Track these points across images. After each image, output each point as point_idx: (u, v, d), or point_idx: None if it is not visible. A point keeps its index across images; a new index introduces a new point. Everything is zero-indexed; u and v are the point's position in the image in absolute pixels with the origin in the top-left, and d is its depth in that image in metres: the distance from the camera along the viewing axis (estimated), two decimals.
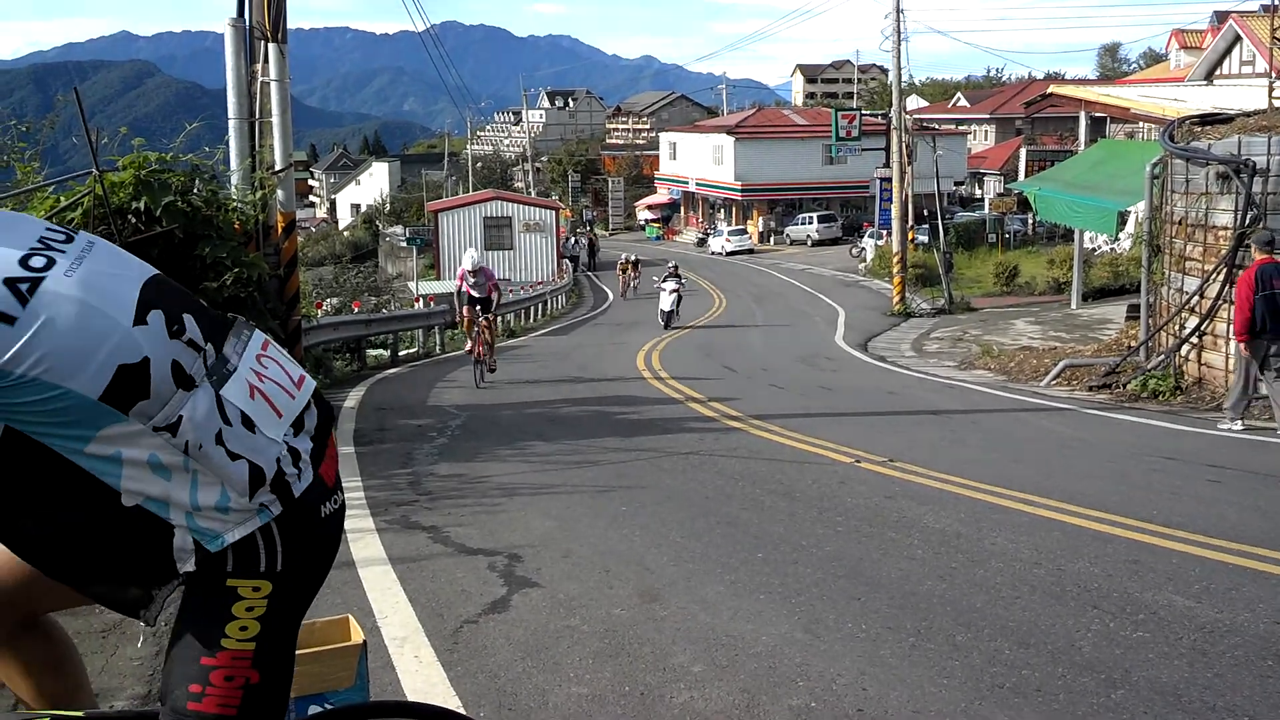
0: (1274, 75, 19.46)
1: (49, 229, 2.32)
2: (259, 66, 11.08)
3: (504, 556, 6.82)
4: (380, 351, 23.37)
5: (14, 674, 2.89)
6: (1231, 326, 12.56)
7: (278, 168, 11.15)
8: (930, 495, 8.40)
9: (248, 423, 2.32)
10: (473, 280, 17.34)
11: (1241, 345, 11.99)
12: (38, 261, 2.18)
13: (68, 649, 3.00)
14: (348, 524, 7.64)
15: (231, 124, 10.99)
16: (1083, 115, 30.61)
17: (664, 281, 32.66)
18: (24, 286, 2.12)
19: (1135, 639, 5.19)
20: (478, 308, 17.15)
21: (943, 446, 10.97)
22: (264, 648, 2.39)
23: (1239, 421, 12.12)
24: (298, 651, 3.74)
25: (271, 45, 10.94)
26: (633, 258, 50.84)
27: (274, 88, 11.03)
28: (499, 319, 17.69)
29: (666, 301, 31.72)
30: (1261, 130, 14.30)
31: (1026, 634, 5.28)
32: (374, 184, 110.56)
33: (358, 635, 3.91)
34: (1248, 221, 13.66)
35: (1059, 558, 6.56)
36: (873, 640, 5.26)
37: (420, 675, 4.89)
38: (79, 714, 2.80)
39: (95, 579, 2.40)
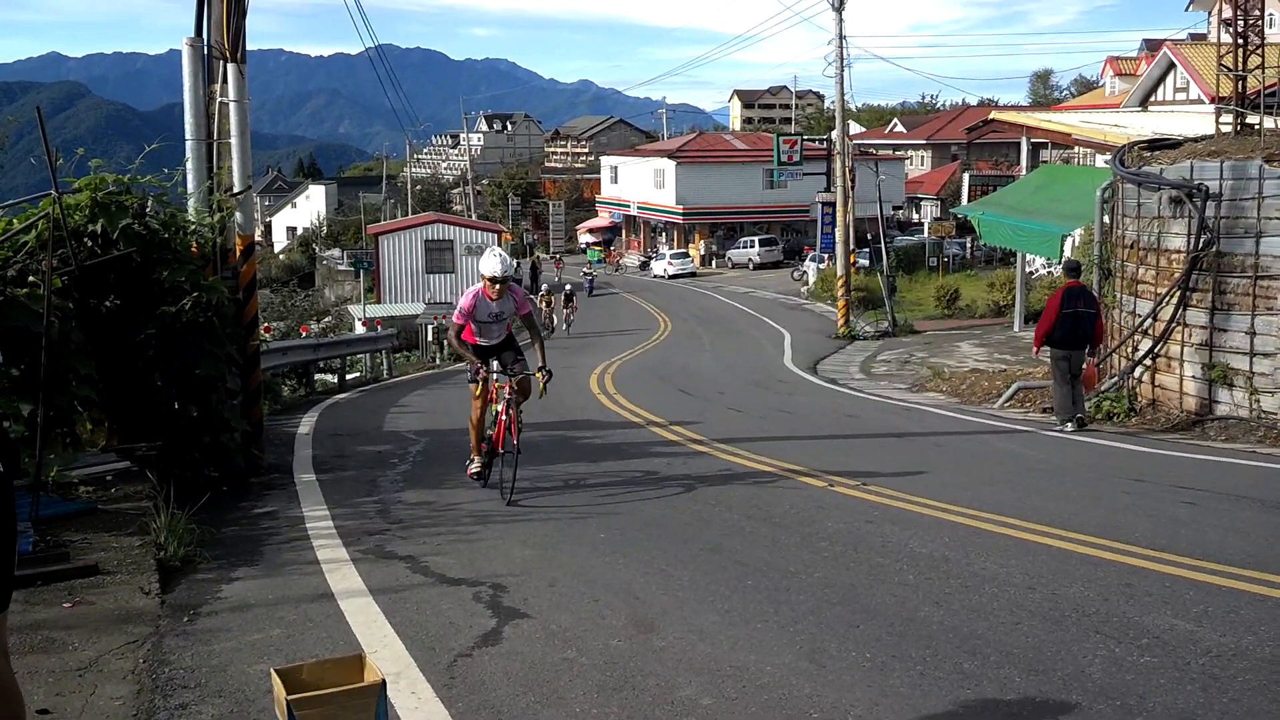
0: (1215, 101, 19.77)
1: None
2: (217, 87, 10.84)
3: (488, 586, 6.67)
4: (328, 376, 23.06)
5: None
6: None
7: (236, 189, 10.90)
8: (910, 519, 8.35)
9: None
10: (494, 307, 9.72)
11: (1040, 352, 14.57)
12: None
13: None
14: (320, 554, 7.49)
15: (189, 145, 10.73)
16: (1024, 141, 31.02)
17: None
18: None
19: (1144, 664, 5.14)
20: (494, 363, 9.75)
21: (912, 469, 10.94)
22: None
23: (1069, 424, 13.85)
24: (312, 693, 3.59)
25: (230, 65, 10.70)
26: (567, 287, 45.77)
27: (233, 108, 10.79)
28: (542, 376, 9.78)
29: None
30: (1212, 155, 14.48)
31: (1034, 661, 5.22)
32: (310, 207, 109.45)
33: (374, 674, 3.76)
34: (1201, 245, 13.83)
35: (1052, 582, 6.52)
36: (880, 669, 5.17)
37: (421, 713, 4.73)
38: None
39: None
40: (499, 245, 10.58)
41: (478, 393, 9.69)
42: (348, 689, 3.62)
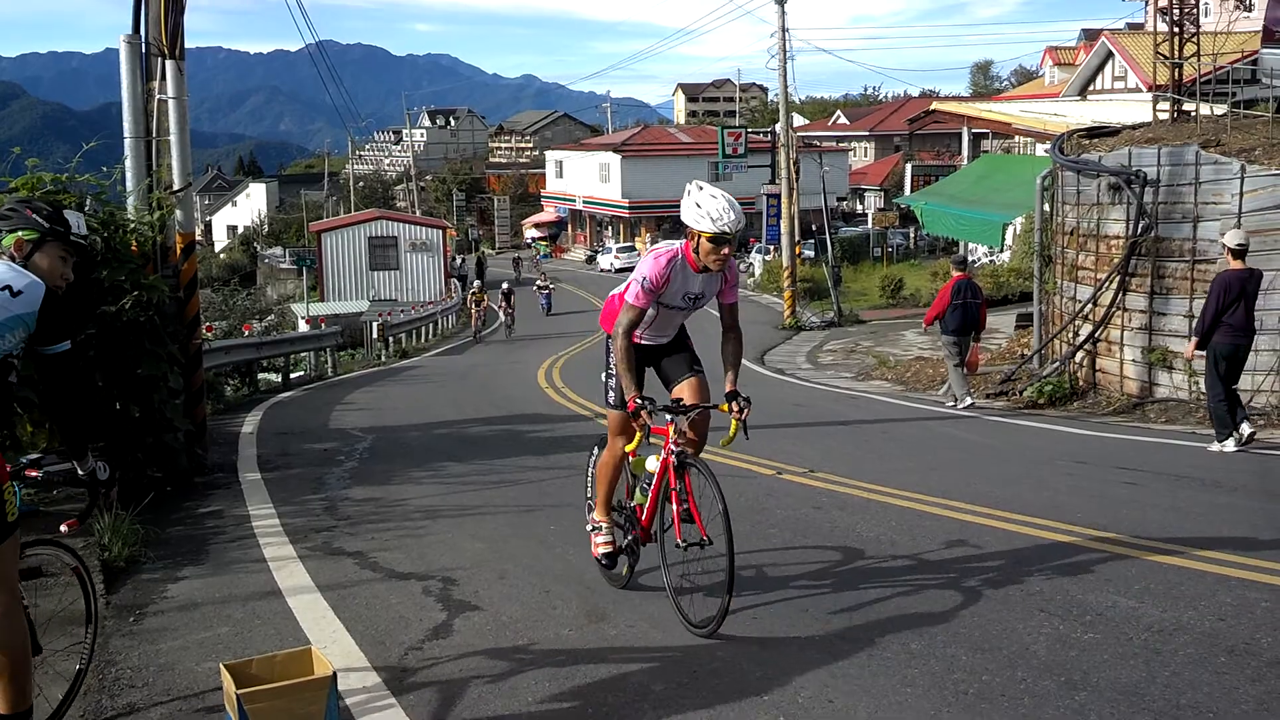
0: (1152, 89, 20.07)
1: None
2: (155, 84, 10.71)
3: (438, 580, 6.65)
4: (271, 375, 22.84)
5: None
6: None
7: (176, 187, 10.77)
8: (857, 504, 8.42)
9: None
10: (696, 285, 5.88)
11: (938, 337, 16.00)
12: None
13: None
14: (267, 551, 7.43)
15: (128, 143, 10.57)
16: (965, 131, 31.31)
17: None
18: None
19: (1088, 641, 5.23)
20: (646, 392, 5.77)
21: (859, 456, 11.04)
22: None
23: (968, 398, 15.20)
24: (263, 688, 3.57)
25: (169, 62, 10.55)
26: (504, 285, 40.94)
27: (172, 105, 10.65)
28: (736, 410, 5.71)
29: None
30: (1149, 143, 14.72)
31: (980, 639, 5.29)
32: (251, 205, 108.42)
33: (325, 667, 3.74)
34: (1139, 230, 14.05)
35: (997, 563, 6.60)
36: (829, 651, 5.22)
37: (372, 705, 4.70)
38: None
39: None
40: (701, 184, 5.58)
41: (618, 429, 6.01)
42: (298, 682, 3.61)
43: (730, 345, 6.00)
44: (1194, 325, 11.77)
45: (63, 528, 4.55)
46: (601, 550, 6.20)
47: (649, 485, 6.03)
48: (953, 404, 15.27)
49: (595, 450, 6.57)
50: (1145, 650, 5.08)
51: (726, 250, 5.57)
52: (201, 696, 4.88)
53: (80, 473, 4.54)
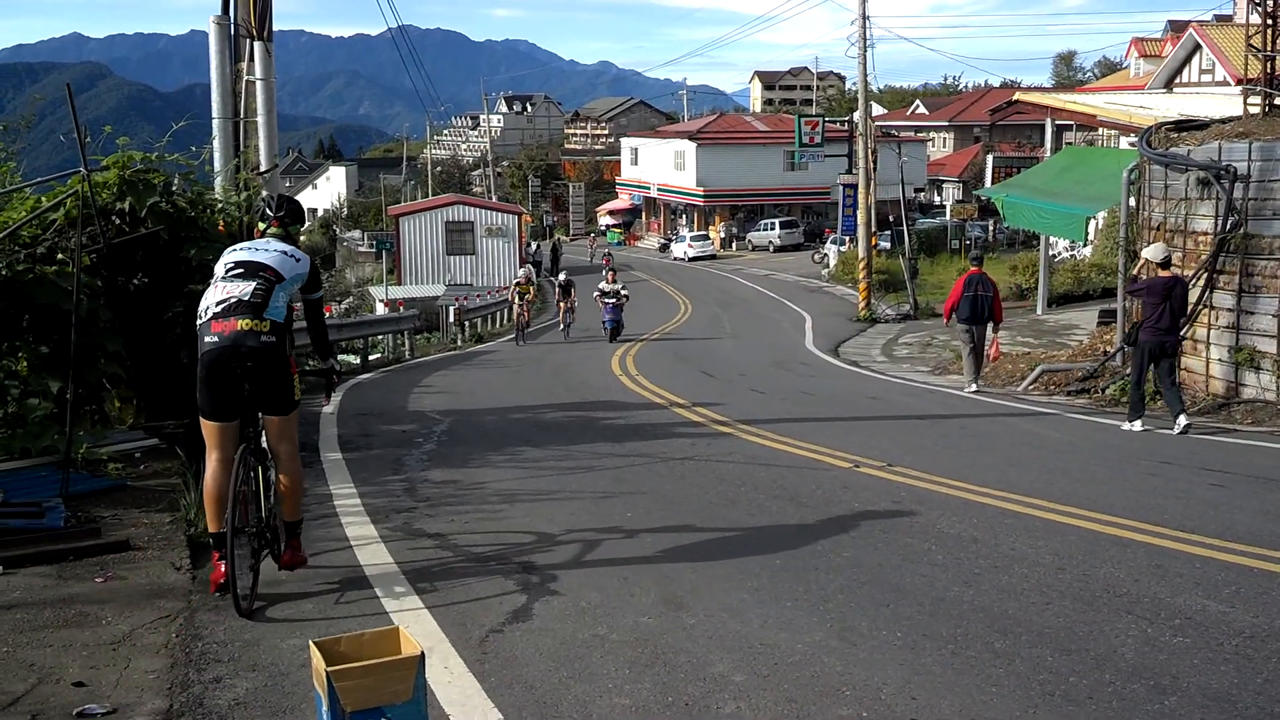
0: (1241, 83, 19.61)
1: None
2: (243, 65, 10.87)
3: (516, 564, 6.69)
4: (350, 357, 23.12)
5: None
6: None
7: (263, 168, 10.93)
8: (937, 500, 8.33)
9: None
10: None
11: (955, 328, 17.49)
12: None
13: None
14: (349, 531, 7.51)
15: (216, 123, 10.78)
16: (1049, 122, 30.79)
17: None
18: None
19: (1177, 645, 5.13)
20: None
21: (937, 451, 10.92)
22: None
23: (974, 384, 16.97)
24: (353, 665, 3.61)
25: (257, 44, 10.75)
26: (562, 276, 34.17)
27: (260, 87, 10.84)
28: None
29: None
30: (1240, 137, 14.38)
31: (1065, 640, 5.21)
32: (331, 188, 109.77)
33: (412, 646, 3.77)
34: (1229, 227, 13.74)
35: (1082, 563, 6.50)
36: (911, 648, 5.17)
37: (454, 687, 4.75)
38: None
39: None
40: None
41: None
42: (387, 661, 3.64)
43: None
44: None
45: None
46: None
47: None
48: (968, 388, 16.94)
49: None
50: (1236, 656, 4.98)
51: None
52: (286, 672, 4.95)
53: (323, 366, 6.92)
